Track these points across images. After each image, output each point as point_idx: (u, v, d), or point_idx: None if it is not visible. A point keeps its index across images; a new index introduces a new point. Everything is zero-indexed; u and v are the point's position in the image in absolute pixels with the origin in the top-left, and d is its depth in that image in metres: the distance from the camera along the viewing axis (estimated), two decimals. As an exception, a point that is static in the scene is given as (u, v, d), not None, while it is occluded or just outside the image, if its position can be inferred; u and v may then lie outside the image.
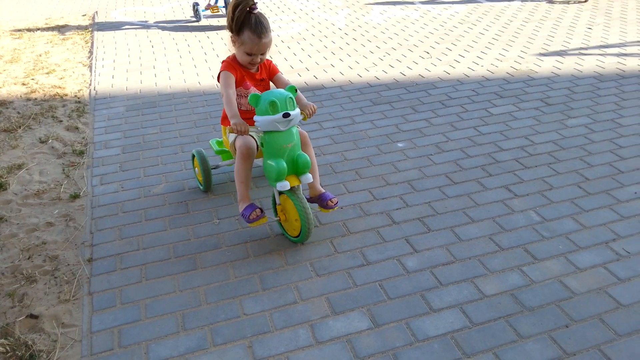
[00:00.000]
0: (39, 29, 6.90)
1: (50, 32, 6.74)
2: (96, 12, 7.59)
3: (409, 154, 3.52)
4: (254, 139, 2.74)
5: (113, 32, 6.57)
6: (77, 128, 4.13)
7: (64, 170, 3.54)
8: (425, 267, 2.52)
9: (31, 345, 2.16)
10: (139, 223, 2.95)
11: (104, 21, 7.10)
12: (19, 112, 4.43)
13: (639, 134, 3.65)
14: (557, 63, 4.96)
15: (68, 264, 2.66)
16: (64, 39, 6.41)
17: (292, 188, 2.59)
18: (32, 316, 2.32)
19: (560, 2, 6.99)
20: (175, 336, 2.20)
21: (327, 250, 2.66)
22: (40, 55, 5.84)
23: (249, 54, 2.68)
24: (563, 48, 5.34)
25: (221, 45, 5.89)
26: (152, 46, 5.96)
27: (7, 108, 4.53)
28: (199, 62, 5.43)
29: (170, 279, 2.52)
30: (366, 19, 6.67)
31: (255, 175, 3.29)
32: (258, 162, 2.98)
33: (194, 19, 6.99)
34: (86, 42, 6.28)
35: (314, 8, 7.31)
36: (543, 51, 5.29)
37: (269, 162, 2.56)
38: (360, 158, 3.50)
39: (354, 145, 3.66)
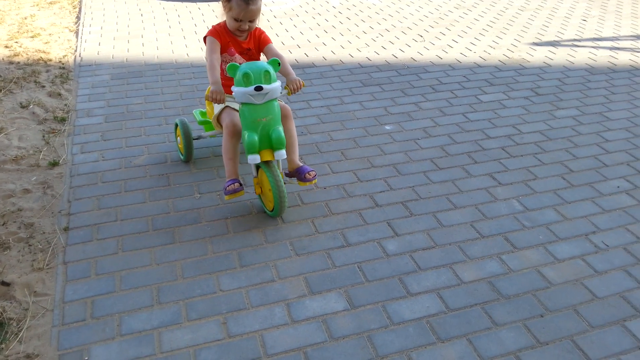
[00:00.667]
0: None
1: (36, -5, 6.55)
2: (85, -24, 7.38)
3: (395, 137, 3.49)
4: (237, 111, 2.71)
5: (102, -2, 6.40)
6: (59, 94, 4.04)
7: (44, 136, 3.46)
8: (405, 251, 2.51)
9: (1, 313, 2.12)
10: (118, 194, 2.90)
11: (93, -14, 6.90)
12: (0, 75, 4.31)
13: (626, 128, 3.65)
14: (549, 53, 4.94)
15: (43, 232, 2.61)
16: (51, 3, 6.24)
17: (267, 162, 2.57)
18: (3, 283, 2.28)
19: None
20: (149, 309, 2.17)
21: (308, 230, 2.64)
22: (25, 18, 5.68)
23: (237, 20, 2.66)
24: (556, 39, 5.32)
25: (212, 17, 5.77)
26: (141, 15, 5.83)
27: (-12, 70, 4.41)
28: (188, 33, 5.32)
29: (147, 251, 2.49)
30: (361, -1, 6.57)
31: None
32: None
33: (185, -11, 6.83)
34: (74, 7, 6.11)
35: (309, -15, 7.17)
36: (536, 41, 5.25)
37: (244, 132, 2.56)
38: (346, 139, 3.47)
39: (341, 126, 3.63)
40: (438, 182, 3.03)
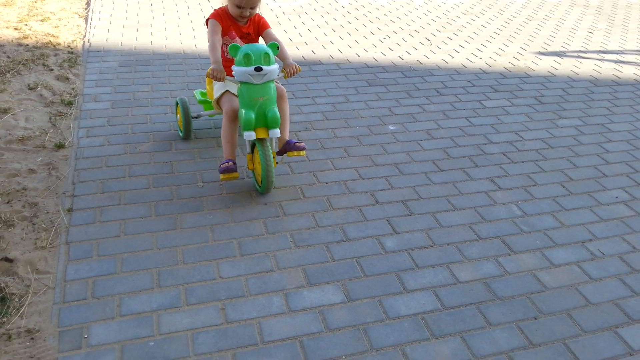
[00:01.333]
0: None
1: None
2: (97, -37, 7.40)
3: (399, 138, 3.52)
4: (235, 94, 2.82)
5: (112, -15, 6.42)
6: (67, 78, 4.06)
7: (50, 119, 3.48)
8: (404, 248, 2.54)
9: (4, 288, 2.15)
10: (122, 178, 2.92)
11: (104, -26, 6.93)
12: (9, 57, 4.34)
13: (627, 140, 3.69)
14: (554, 63, 4.98)
15: (47, 212, 2.63)
16: (61, -12, 6.25)
17: (261, 139, 2.67)
18: (6, 259, 2.31)
19: None
20: (149, 292, 2.20)
21: (309, 223, 2.67)
22: (35, 2, 5.70)
23: (239, 7, 2.78)
24: (562, 49, 5.36)
25: (222, 10, 5.80)
26: (151, 4, 5.85)
27: (-3, 51, 4.44)
28: (197, 24, 5.35)
29: (149, 236, 2.52)
30: (370, 0, 6.60)
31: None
32: None
33: (196, -19, 6.85)
34: (84, -7, 6.13)
35: (319, -17, 7.20)
36: (542, 50, 5.29)
37: (241, 110, 2.68)
38: (350, 137, 3.50)
39: (345, 124, 3.66)
40: (439, 183, 3.07)
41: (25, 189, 2.79)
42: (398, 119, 3.77)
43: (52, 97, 3.76)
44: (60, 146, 3.18)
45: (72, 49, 4.61)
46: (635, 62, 5.12)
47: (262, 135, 2.68)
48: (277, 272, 2.35)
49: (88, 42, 4.76)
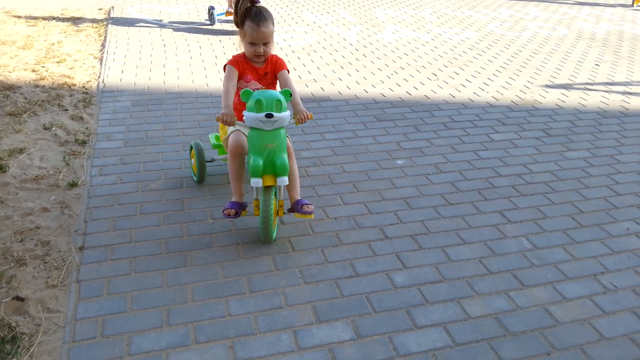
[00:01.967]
0: (54, 19, 6.97)
1: (65, 23, 6.81)
2: (112, 7, 7.68)
3: (407, 172, 3.55)
4: (245, 135, 2.83)
5: (127, 27, 6.64)
6: (81, 118, 4.17)
7: (64, 158, 3.56)
8: (413, 283, 2.53)
9: (14, 327, 2.17)
10: (134, 216, 2.96)
11: (119, 16, 7.17)
12: (25, 98, 4.47)
13: (636, 171, 3.67)
14: (562, 96, 5.01)
15: (59, 250, 2.67)
16: (77, 31, 6.47)
17: (267, 188, 2.62)
18: (18, 298, 2.33)
19: None
20: (159, 330, 2.20)
21: (318, 258, 2.67)
22: (52, 44, 5.90)
23: (252, 44, 2.80)
24: (569, 82, 5.40)
25: (232, 49, 5.95)
26: (164, 45, 6.02)
27: (14, 92, 4.57)
28: (209, 64, 5.48)
29: (159, 273, 2.53)
30: (378, 37, 6.74)
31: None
32: None
33: (208, 22, 7.06)
34: (99, 35, 6.34)
35: (328, 22, 7.39)
36: (549, 83, 5.34)
37: (250, 156, 2.65)
38: (358, 171, 3.53)
39: (353, 159, 3.69)
40: (448, 217, 3.06)
41: (38, 228, 2.83)
42: (406, 153, 3.80)
43: (66, 136, 3.85)
44: (73, 185, 3.24)
45: (86, 89, 4.74)
46: (643, 93, 5.14)
47: (269, 182, 2.62)
48: (286, 309, 2.35)
49: (102, 82, 4.89)
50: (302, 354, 2.12)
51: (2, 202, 3.03)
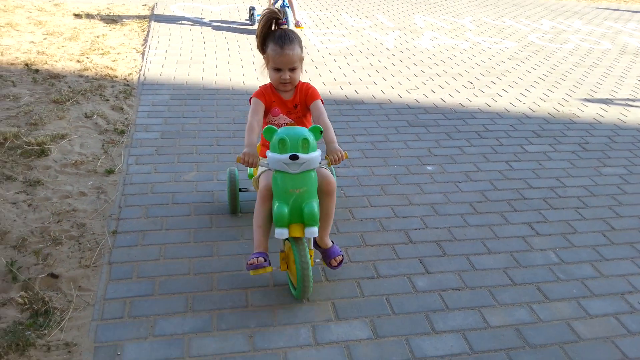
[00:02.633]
0: (100, 13, 7.21)
1: (110, 18, 7.04)
2: (156, 3, 7.88)
3: (436, 178, 3.54)
4: None
5: (169, 24, 6.81)
6: (121, 109, 4.30)
7: (103, 145, 3.69)
8: (435, 289, 2.53)
9: (47, 302, 2.27)
10: (166, 205, 3.05)
11: (162, 13, 7.37)
12: (70, 87, 4.64)
13: (674, 191, 3.58)
14: (600, 110, 4.91)
15: (93, 233, 2.77)
16: (122, 25, 6.68)
17: (296, 238, 2.29)
18: (52, 275, 2.44)
19: None
20: (183, 315, 2.27)
21: (341, 257, 2.70)
22: (97, 37, 6.10)
23: (277, 70, 2.47)
24: (609, 96, 5.28)
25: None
26: (204, 42, 6.16)
27: (59, 81, 4.75)
28: (246, 63, 5.58)
29: (187, 261, 2.61)
30: (415, 43, 6.73)
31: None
32: None
33: (248, 22, 7.18)
34: (142, 30, 6.52)
35: (366, 26, 7.42)
36: (588, 97, 5.24)
37: (274, 202, 2.30)
38: (387, 175, 3.54)
39: (383, 162, 3.71)
40: (474, 226, 3.05)
41: (75, 210, 2.95)
42: (437, 159, 3.79)
43: (106, 125, 3.99)
44: (110, 172, 3.35)
45: (128, 81, 4.89)
46: (687, 113, 4.99)
47: (296, 233, 2.27)
48: (307, 304, 2.39)
49: (143, 75, 5.04)
50: (319, 349, 2.15)
51: (43, 184, 3.16)
